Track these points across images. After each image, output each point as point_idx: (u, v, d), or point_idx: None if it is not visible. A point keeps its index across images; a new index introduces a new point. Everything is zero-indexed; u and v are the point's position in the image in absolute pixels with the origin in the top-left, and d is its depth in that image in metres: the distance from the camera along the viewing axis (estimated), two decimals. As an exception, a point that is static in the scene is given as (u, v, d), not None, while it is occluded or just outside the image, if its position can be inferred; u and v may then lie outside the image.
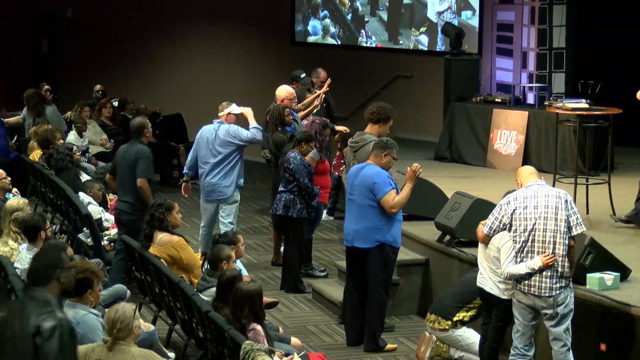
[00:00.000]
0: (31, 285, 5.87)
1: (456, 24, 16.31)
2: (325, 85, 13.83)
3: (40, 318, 5.61)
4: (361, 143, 10.34)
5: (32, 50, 22.16)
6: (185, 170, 12.10)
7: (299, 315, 10.86)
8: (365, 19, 18.18)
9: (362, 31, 18.20)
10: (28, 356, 5.59)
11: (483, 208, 9.64)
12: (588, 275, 8.79)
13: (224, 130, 11.56)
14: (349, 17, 18.45)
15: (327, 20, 18.83)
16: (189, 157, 11.91)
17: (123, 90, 19.19)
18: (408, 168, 9.59)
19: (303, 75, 14.22)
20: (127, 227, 10.80)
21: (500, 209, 8.27)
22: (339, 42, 18.70)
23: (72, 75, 21.51)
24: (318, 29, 18.99)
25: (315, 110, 13.44)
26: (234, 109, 11.72)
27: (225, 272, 8.43)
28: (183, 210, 11.91)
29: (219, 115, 11.74)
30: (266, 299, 9.19)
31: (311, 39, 19.15)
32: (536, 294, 8.07)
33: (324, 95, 13.71)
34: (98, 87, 18.28)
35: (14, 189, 12.23)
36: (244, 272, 9.33)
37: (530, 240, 8.08)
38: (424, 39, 17.21)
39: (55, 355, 5.58)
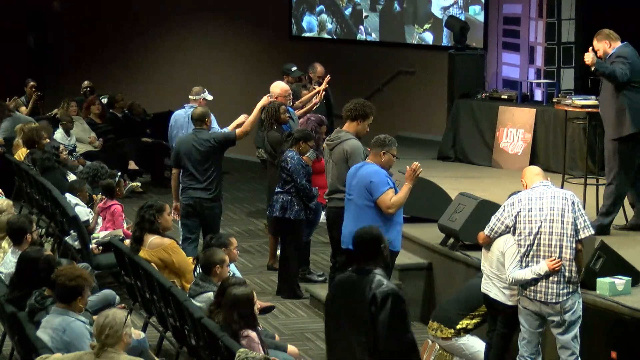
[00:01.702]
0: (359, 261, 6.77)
1: (463, 18, 16.14)
2: (325, 82, 13.66)
3: (374, 288, 6.50)
4: (336, 141, 10.17)
5: (19, 46, 21.94)
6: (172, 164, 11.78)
7: (296, 321, 10.75)
8: (365, 14, 17.95)
9: (361, 27, 18.01)
10: (366, 323, 6.51)
11: (488, 209, 9.51)
12: (598, 280, 8.73)
13: None
14: (347, 12, 18.23)
15: (324, 16, 18.61)
16: (174, 150, 11.57)
17: (113, 88, 19.08)
18: (408, 167, 9.44)
19: (294, 68, 14.18)
20: (207, 215, 10.87)
21: (504, 211, 8.24)
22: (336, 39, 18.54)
23: (61, 72, 21.49)
24: (313, 25, 18.77)
25: (314, 108, 13.25)
26: (207, 95, 12.16)
27: (229, 278, 8.27)
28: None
29: (192, 98, 12.11)
30: (262, 304, 9.11)
31: (306, 35, 18.94)
32: (542, 300, 8.03)
33: (323, 92, 13.49)
34: (86, 83, 18.13)
35: (-1, 190, 12.14)
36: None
37: (535, 244, 8.03)
38: (429, 37, 17.05)
39: (386, 322, 6.47)
